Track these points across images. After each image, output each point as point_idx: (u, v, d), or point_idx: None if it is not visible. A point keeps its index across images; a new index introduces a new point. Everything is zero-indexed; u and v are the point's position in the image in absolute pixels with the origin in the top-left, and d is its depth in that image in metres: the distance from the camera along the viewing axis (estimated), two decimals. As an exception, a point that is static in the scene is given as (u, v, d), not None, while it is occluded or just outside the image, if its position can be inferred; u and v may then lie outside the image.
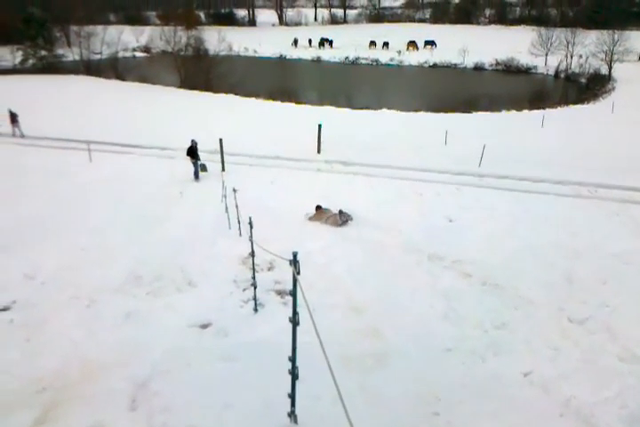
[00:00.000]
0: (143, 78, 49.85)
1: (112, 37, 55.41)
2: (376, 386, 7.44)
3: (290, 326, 5.46)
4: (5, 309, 9.50)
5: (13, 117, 25.90)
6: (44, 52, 54.83)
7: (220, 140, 20.17)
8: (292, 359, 5.17)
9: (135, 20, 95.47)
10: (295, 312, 4.77)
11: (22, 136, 25.70)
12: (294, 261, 4.42)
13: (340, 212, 14.70)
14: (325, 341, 4.32)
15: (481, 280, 11.09)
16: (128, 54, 61.84)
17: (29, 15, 53.79)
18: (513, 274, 11.39)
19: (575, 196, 17.52)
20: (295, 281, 4.56)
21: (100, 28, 56.55)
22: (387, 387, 7.46)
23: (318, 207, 15.26)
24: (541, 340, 8.95)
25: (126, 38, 59.94)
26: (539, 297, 10.42)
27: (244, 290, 10.51)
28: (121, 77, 51.55)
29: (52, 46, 55.98)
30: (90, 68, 54.24)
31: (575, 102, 41.62)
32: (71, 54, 56.23)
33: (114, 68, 53.44)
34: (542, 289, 10.74)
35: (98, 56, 55.30)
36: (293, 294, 4.69)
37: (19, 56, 55.61)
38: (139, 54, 65.93)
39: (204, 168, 19.49)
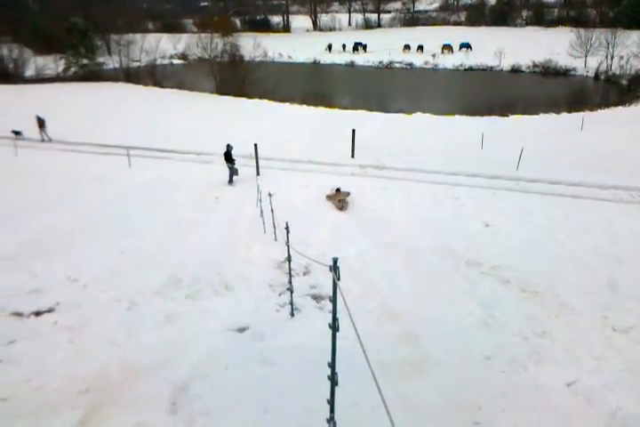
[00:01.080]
0: (180, 85, 50.74)
1: (150, 45, 56.56)
2: (415, 394, 7.36)
3: (328, 331, 5.45)
4: (50, 310, 9.75)
5: (41, 123, 27.01)
6: (85, 61, 56.34)
7: (255, 144, 20.37)
8: (332, 365, 5.14)
9: (173, 27, 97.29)
10: (335, 318, 4.75)
11: (50, 140, 26.81)
12: (334, 267, 4.41)
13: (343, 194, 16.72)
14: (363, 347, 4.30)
15: (520, 287, 10.88)
16: (166, 61, 63.04)
17: (72, 25, 55.36)
18: (553, 280, 11.14)
19: (617, 200, 17.05)
20: (335, 287, 4.54)
21: (139, 36, 57.85)
22: (425, 395, 7.37)
23: (338, 190, 16.93)
24: (584, 349, 8.72)
25: (164, 46, 61.08)
26: (580, 305, 10.15)
27: (280, 294, 10.55)
28: (159, 84, 52.58)
29: (94, 55, 57.47)
30: (129, 75, 55.51)
31: (616, 104, 40.54)
32: (111, 62, 57.64)
33: (152, 75, 54.56)
34: (584, 296, 10.46)
35: (137, 63, 56.55)
36: (333, 299, 4.68)
37: (61, 64, 57.32)
38: (176, 61, 67.10)
39: (235, 172, 19.65)
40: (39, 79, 55.99)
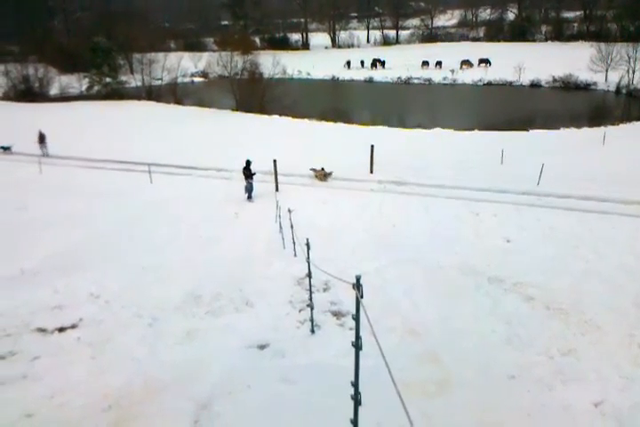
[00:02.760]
0: (200, 102, 51.36)
1: (172, 64, 57.44)
2: (439, 414, 7.24)
3: (349, 348, 5.40)
4: (73, 326, 9.85)
5: (42, 138, 27.95)
6: (108, 79, 57.44)
7: (274, 160, 20.50)
8: (355, 385, 5.09)
9: (194, 46, 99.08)
10: (358, 336, 4.71)
11: (47, 155, 27.62)
12: (357, 285, 4.38)
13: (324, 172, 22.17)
14: (384, 365, 4.25)
15: (544, 304, 10.70)
16: (187, 79, 63.99)
17: (96, 44, 56.62)
18: (578, 298, 10.94)
19: (641, 216, 16.77)
20: (358, 305, 4.51)
21: (161, 55, 58.82)
22: (450, 415, 7.24)
23: (322, 169, 22.25)
24: (612, 368, 8.52)
25: (185, 64, 62.03)
26: (607, 323, 9.94)
27: (300, 311, 10.51)
28: (180, 102, 53.32)
29: (116, 73, 58.58)
30: (151, 93, 56.38)
31: (638, 119, 40.01)
32: (133, 81, 58.66)
33: (173, 93, 55.34)
34: (610, 314, 10.25)
35: (158, 82, 57.42)
36: (356, 317, 4.64)
37: (85, 83, 58.53)
38: (197, 79, 68.06)
39: (246, 188, 19.67)
40: (63, 97, 57.21)
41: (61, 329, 9.76)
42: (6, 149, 29.10)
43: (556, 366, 8.57)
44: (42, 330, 9.72)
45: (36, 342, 9.31)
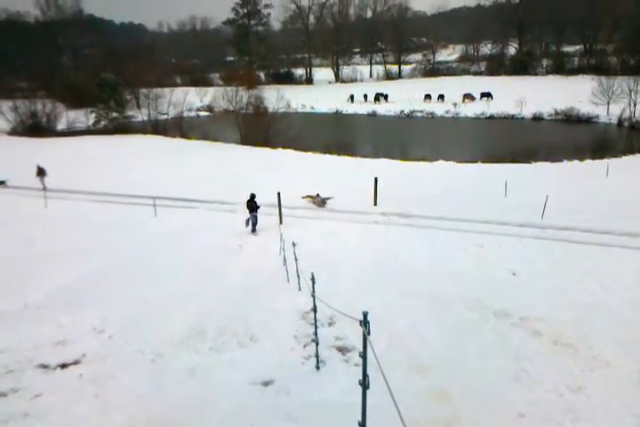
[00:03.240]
0: (206, 136, 52.04)
1: (178, 98, 58.40)
2: (447, 453, 7.08)
3: (355, 386, 5.33)
4: (75, 362, 9.75)
5: (40, 172, 28.42)
6: (115, 114, 58.36)
7: (278, 193, 20.63)
8: (362, 425, 5.01)
9: (200, 81, 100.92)
10: (365, 375, 4.66)
11: (45, 189, 27.65)
12: (364, 322, 4.36)
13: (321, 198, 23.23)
14: (392, 403, 4.20)
15: (552, 339, 10.56)
16: (192, 114, 64.92)
17: (103, 80, 57.76)
18: (586, 332, 10.81)
19: (647, 249, 16.68)
20: (365, 342, 4.48)
21: (167, 90, 59.91)
22: (458, 454, 7.08)
23: (318, 195, 23.39)
24: (622, 405, 8.36)
25: (191, 99, 63.03)
26: (615, 358, 9.80)
27: (305, 346, 10.40)
28: (185, 136, 54.01)
29: (123, 108, 59.50)
30: (157, 127, 57.15)
31: (641, 151, 40.26)
32: (140, 115, 59.54)
33: (179, 127, 56.10)
34: (619, 349, 10.10)
35: (164, 116, 58.29)
36: (363, 355, 4.60)
37: (92, 118, 59.42)
38: (202, 113, 69.06)
39: (248, 222, 19.71)
40: (70, 132, 58.03)
41: (64, 365, 9.66)
42: (1, 182, 29.55)
43: (565, 403, 8.41)
44: (44, 366, 9.63)
45: (39, 378, 9.21)
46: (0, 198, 26.95)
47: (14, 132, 56.76)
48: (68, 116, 60.39)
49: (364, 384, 4.67)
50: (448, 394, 8.56)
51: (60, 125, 59.93)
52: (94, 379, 9.11)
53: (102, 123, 58.61)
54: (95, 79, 58.90)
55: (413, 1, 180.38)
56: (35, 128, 56.85)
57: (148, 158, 40.07)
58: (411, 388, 8.60)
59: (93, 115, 59.14)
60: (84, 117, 60.19)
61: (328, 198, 23.60)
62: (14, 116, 57.22)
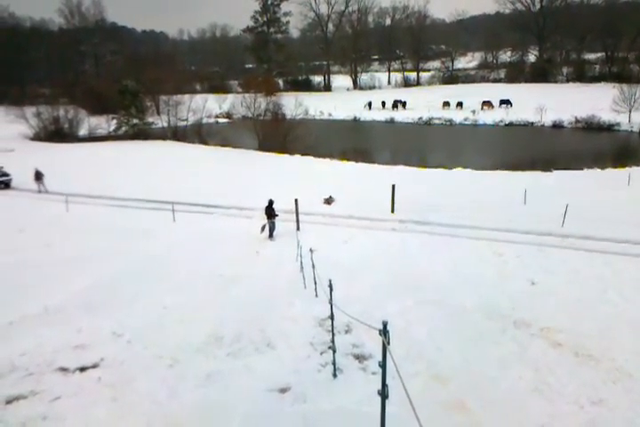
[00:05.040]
0: (224, 142, 52.42)
1: (197, 105, 58.96)
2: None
3: (372, 394, 5.28)
4: (94, 366, 9.81)
5: (38, 176, 29.46)
6: (135, 120, 59.14)
7: (296, 200, 20.68)
8: (380, 434, 4.96)
9: (219, 88, 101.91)
10: (384, 384, 4.62)
11: (46, 192, 29.31)
12: (384, 331, 4.32)
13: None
14: (410, 413, 4.15)
15: (573, 350, 10.38)
16: (211, 120, 65.48)
17: (124, 87, 58.59)
18: (607, 344, 10.62)
19: (670, 259, 16.38)
20: (385, 352, 4.44)
21: (187, 96, 60.52)
22: (477, 466, 6.97)
23: (330, 196, 25.58)
24: (645, 419, 8.16)
25: (210, 106, 63.57)
26: (638, 370, 9.60)
27: (322, 353, 10.35)
28: (204, 142, 54.47)
29: (143, 114, 60.29)
30: (176, 133, 57.78)
31: (663, 159, 39.61)
32: (160, 121, 60.25)
33: (198, 134, 56.64)
34: (642, 361, 9.90)
35: (184, 122, 58.87)
36: (383, 365, 4.56)
37: (113, 124, 60.30)
38: (221, 120, 69.66)
39: (264, 228, 19.77)
40: (91, 138, 58.88)
41: (83, 369, 9.72)
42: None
43: (586, 416, 8.24)
44: (63, 369, 9.70)
45: (58, 381, 9.28)
46: (21, 202, 27.39)
47: (37, 137, 57.75)
48: (90, 122, 61.29)
49: (383, 394, 4.63)
50: (467, 405, 8.44)
51: (82, 131, 60.86)
52: (112, 383, 9.16)
53: (123, 129, 59.42)
54: (116, 86, 59.77)
55: (432, 8, 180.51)
56: (57, 134, 57.86)
57: (168, 164, 40.46)
58: (430, 398, 8.49)
59: (114, 121, 60.00)
60: (105, 123, 61.09)
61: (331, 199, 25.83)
62: (37, 121, 58.25)
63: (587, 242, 18.22)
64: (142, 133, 57.99)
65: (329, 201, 25.63)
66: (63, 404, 8.57)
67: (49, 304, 12.86)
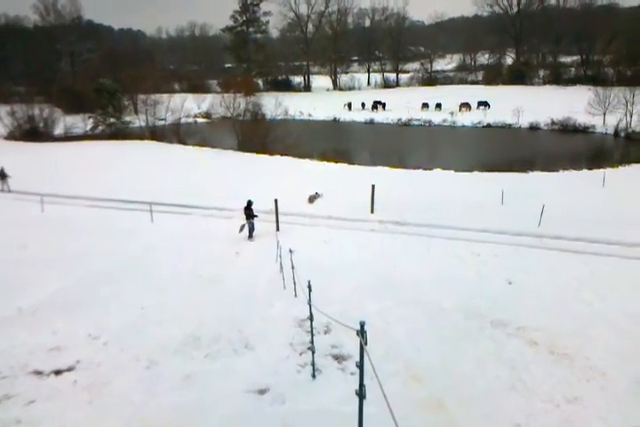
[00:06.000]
0: (203, 142, 52.04)
1: (176, 105, 58.36)
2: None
3: (351, 395, 5.28)
4: (70, 369, 9.68)
5: (2, 174, 29.49)
6: (112, 120, 58.40)
7: (276, 200, 20.63)
8: (358, 434, 4.97)
9: (198, 88, 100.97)
10: (362, 384, 4.63)
11: (9, 191, 29.35)
12: (362, 332, 4.34)
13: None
14: (387, 412, 4.17)
15: (548, 349, 10.53)
16: (190, 120, 64.88)
17: (101, 86, 57.84)
18: (582, 342, 10.79)
19: (643, 258, 16.69)
20: (362, 352, 4.45)
21: (165, 96, 59.89)
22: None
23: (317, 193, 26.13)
24: (619, 416, 8.32)
25: (189, 105, 63.01)
26: (612, 368, 9.77)
27: (301, 354, 10.35)
28: (182, 142, 54.01)
29: (121, 114, 59.51)
30: (154, 133, 57.16)
31: (637, 161, 40.39)
32: (138, 121, 59.56)
33: (176, 133, 56.12)
34: (616, 359, 10.08)
35: (162, 122, 58.29)
36: (360, 365, 4.58)
37: (89, 123, 59.47)
38: (200, 120, 69.07)
39: (242, 228, 19.72)
40: (67, 137, 57.99)
41: (58, 372, 9.58)
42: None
43: (561, 414, 8.37)
44: (38, 372, 9.55)
45: (32, 384, 9.13)
46: (-4, 202, 26.88)
47: (11, 136, 56.68)
48: (66, 122, 60.36)
49: (361, 394, 4.64)
50: (445, 404, 8.51)
51: (58, 130, 59.88)
52: (88, 386, 9.04)
53: (100, 128, 58.63)
54: (93, 85, 58.96)
55: (411, 10, 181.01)
56: (32, 133, 56.81)
57: (145, 164, 40.02)
58: (408, 397, 8.55)
59: (91, 120, 59.19)
60: (81, 123, 60.24)
61: (316, 196, 26.37)
62: (11, 120, 57.20)
63: (562, 242, 18.49)
64: (120, 133, 57.25)
65: (314, 198, 25.78)
66: (38, 408, 8.44)
67: (23, 306, 12.65)
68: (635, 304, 12.85)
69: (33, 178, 30.48)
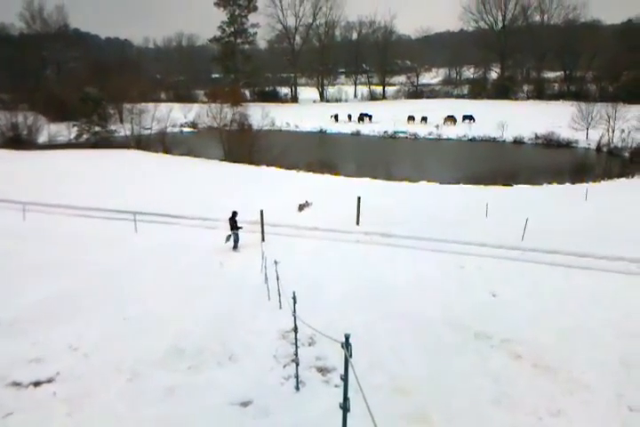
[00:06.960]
0: (189, 152, 51.92)
1: (162, 114, 58.28)
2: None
3: (335, 408, 5.24)
4: (49, 380, 9.49)
5: None
6: (97, 128, 58.09)
7: (261, 211, 20.57)
8: (342, 448, 4.92)
9: (184, 98, 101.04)
10: (346, 398, 4.60)
11: None
12: (346, 344, 4.32)
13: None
14: (372, 425, 4.14)
15: (532, 362, 10.56)
16: (176, 130, 64.78)
17: (86, 94, 57.55)
18: (565, 355, 10.84)
19: (625, 272, 16.88)
20: (347, 365, 4.43)
21: (151, 105, 59.78)
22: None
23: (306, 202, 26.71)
24: (602, 429, 8.34)
25: (175, 115, 62.89)
26: (595, 381, 9.81)
27: (285, 366, 10.27)
28: (168, 151, 53.83)
29: (106, 122, 59.26)
30: (140, 142, 56.93)
31: (619, 176, 41.09)
32: (123, 130, 59.30)
33: (162, 143, 55.96)
34: (598, 372, 10.13)
35: (148, 131, 58.08)
36: (345, 378, 4.55)
37: (74, 132, 59.06)
38: (186, 130, 68.98)
39: (228, 238, 19.63)
40: (51, 145, 57.50)
41: (37, 384, 9.40)
42: None
43: (545, 427, 8.38)
44: (17, 384, 9.35)
45: (11, 396, 8.94)
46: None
47: (-7, 144, 56.12)
48: (50, 130, 59.93)
49: (345, 407, 4.61)
50: (429, 417, 8.48)
51: (42, 138, 59.41)
52: (68, 398, 8.87)
53: (84, 136, 58.27)
54: (79, 93, 58.66)
55: (398, 25, 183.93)
56: (15, 140, 56.29)
57: (130, 173, 39.80)
58: (392, 410, 8.50)
59: (75, 128, 58.81)
60: (65, 131, 59.83)
61: (305, 204, 27.03)
62: (-6, 128, 56.68)
63: (546, 255, 18.63)
64: (104, 142, 56.96)
65: (304, 206, 26.31)
66: (16, 419, 8.25)
67: (2, 316, 12.42)
68: (616, 317, 12.95)
69: (15, 186, 30.13)
